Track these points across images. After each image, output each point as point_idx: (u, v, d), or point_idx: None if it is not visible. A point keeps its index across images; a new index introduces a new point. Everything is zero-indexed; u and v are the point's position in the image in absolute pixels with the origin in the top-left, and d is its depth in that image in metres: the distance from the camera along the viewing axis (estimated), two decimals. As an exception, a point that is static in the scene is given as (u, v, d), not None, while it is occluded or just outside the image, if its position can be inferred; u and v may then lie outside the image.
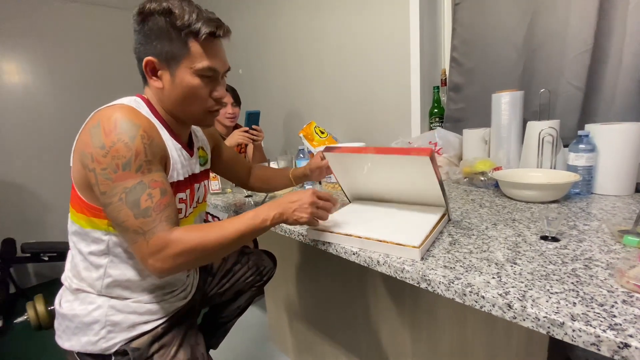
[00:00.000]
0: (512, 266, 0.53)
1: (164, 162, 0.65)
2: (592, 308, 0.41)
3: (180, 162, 0.70)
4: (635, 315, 0.39)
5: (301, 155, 1.19)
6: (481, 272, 0.52)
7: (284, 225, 0.89)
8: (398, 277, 0.58)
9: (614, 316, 0.39)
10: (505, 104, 1.06)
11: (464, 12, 1.26)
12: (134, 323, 0.68)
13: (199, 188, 0.79)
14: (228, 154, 0.95)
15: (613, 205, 0.81)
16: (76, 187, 0.63)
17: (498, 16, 1.18)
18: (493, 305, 0.45)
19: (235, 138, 1.49)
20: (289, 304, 1.45)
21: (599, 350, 0.37)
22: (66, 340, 0.68)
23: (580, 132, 0.90)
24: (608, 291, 0.45)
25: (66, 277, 0.71)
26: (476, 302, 0.47)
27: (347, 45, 1.66)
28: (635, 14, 0.92)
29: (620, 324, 0.38)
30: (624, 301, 0.42)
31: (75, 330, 0.67)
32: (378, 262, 0.61)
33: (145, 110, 0.66)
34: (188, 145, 0.76)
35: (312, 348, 1.38)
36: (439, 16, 1.43)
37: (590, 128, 0.90)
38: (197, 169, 0.78)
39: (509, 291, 0.46)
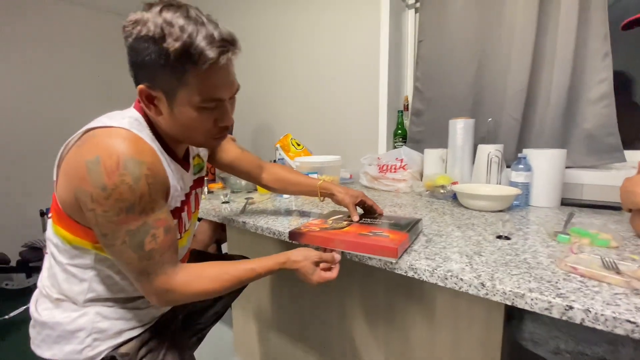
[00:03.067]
0: (479, 257, 0.65)
1: (166, 195, 0.61)
2: (542, 283, 0.53)
3: (179, 187, 0.67)
4: (574, 287, 0.52)
5: (279, 165, 1.25)
6: (456, 262, 0.63)
7: (259, 223, 0.95)
8: (387, 269, 0.66)
9: (559, 288, 0.52)
10: (460, 129, 1.24)
11: (426, 49, 1.45)
12: (121, 330, 0.66)
13: (193, 199, 0.77)
14: (232, 153, 0.93)
15: (545, 214, 0.99)
16: (63, 207, 0.58)
17: (453, 56, 1.38)
18: (470, 285, 0.55)
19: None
20: (257, 314, 1.44)
21: (551, 313, 0.49)
22: (46, 350, 0.63)
23: (519, 155, 1.10)
24: (552, 272, 0.57)
25: (44, 285, 0.66)
26: (456, 284, 0.57)
27: (323, 69, 1.78)
28: (560, 66, 1.14)
29: (564, 293, 0.50)
30: (564, 279, 0.55)
31: (57, 339, 0.63)
32: (369, 257, 0.69)
33: (146, 133, 0.60)
34: (184, 157, 0.74)
35: None
36: (404, 50, 1.63)
37: (526, 152, 1.10)
38: (191, 181, 0.76)
39: (481, 274, 0.57)
